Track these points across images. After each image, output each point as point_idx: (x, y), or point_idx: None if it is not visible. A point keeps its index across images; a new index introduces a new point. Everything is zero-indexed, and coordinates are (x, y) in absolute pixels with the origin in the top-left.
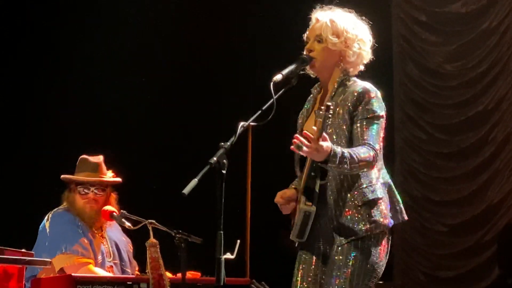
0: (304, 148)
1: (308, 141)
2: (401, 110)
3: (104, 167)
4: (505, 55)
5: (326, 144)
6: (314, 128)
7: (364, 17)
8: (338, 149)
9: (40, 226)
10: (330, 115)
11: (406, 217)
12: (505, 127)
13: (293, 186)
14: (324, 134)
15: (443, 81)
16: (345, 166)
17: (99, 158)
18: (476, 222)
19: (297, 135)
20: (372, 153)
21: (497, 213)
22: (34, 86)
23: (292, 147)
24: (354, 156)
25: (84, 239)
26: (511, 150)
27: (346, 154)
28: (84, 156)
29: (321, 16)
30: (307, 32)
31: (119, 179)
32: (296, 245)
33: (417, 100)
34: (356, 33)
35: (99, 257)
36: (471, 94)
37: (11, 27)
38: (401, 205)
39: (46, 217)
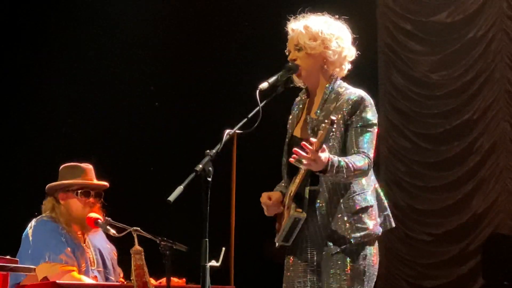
0: (304, 161)
1: (307, 152)
2: (386, 119)
3: (93, 172)
4: (490, 65)
5: (325, 155)
6: (313, 139)
7: (349, 26)
8: (335, 159)
9: (23, 234)
10: (333, 129)
11: (393, 224)
12: (490, 136)
13: (279, 190)
14: (323, 145)
15: (429, 90)
16: (341, 174)
17: (89, 165)
18: (461, 232)
19: (296, 149)
20: (367, 161)
21: (481, 222)
22: (18, 92)
23: (291, 159)
24: (350, 165)
25: (68, 248)
26: (496, 159)
27: (343, 163)
28: (70, 163)
29: (295, 25)
30: (287, 45)
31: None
32: (277, 245)
33: (402, 109)
34: (332, 32)
35: (83, 265)
36: (456, 104)
37: None
38: (389, 212)
39: (29, 225)
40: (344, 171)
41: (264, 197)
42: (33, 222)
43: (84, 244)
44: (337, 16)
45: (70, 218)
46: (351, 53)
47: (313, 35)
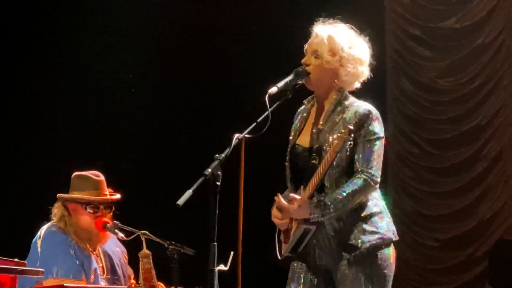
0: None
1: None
2: (394, 124)
3: (105, 184)
4: (498, 71)
5: (306, 208)
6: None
7: (357, 31)
8: (314, 200)
9: (33, 240)
10: (351, 138)
11: (397, 237)
12: (497, 143)
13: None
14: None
15: (437, 96)
16: (332, 210)
17: (100, 176)
18: (468, 238)
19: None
20: (373, 179)
21: (488, 229)
22: (26, 98)
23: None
24: (334, 199)
25: (76, 261)
26: (503, 166)
27: (327, 200)
28: (82, 173)
29: (321, 31)
30: (306, 45)
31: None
32: (282, 256)
33: (410, 115)
34: (353, 53)
35: (92, 277)
36: (464, 110)
37: None
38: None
39: (38, 234)
40: (333, 207)
41: (277, 214)
42: (42, 231)
43: (95, 253)
44: (350, 25)
45: (79, 230)
46: (364, 75)
47: (333, 49)
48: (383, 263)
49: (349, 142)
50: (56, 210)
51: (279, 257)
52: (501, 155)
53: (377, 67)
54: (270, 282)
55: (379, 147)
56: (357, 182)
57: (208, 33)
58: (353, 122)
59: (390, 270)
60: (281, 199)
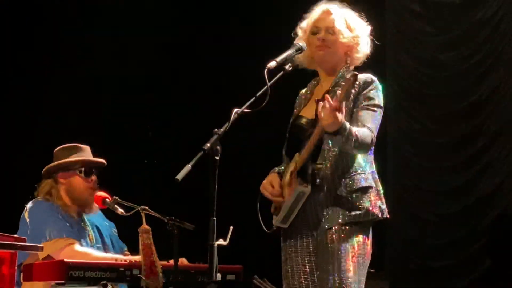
0: (327, 106)
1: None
2: (394, 99)
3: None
4: (498, 46)
5: (341, 117)
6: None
7: (357, 7)
8: (348, 123)
9: (21, 217)
10: (355, 86)
11: (388, 215)
12: (498, 118)
13: (276, 170)
14: (342, 105)
15: (437, 71)
16: (350, 142)
17: (86, 145)
18: (468, 213)
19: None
20: (372, 135)
21: (489, 204)
22: (17, 75)
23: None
24: (359, 135)
25: (66, 223)
26: (504, 141)
27: (353, 130)
28: (65, 144)
29: (333, 9)
30: (314, 21)
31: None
32: (274, 227)
33: (410, 90)
34: (365, 31)
35: (83, 243)
36: (464, 85)
37: None
38: (384, 203)
39: (25, 208)
40: (353, 139)
41: (268, 187)
42: (28, 205)
43: (82, 223)
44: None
45: (73, 197)
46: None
47: (350, 27)
48: (365, 242)
49: (353, 90)
50: (44, 184)
51: (267, 230)
52: (501, 130)
53: (377, 43)
54: (269, 256)
55: (377, 115)
56: (370, 135)
57: (209, 5)
58: (355, 87)
59: (370, 250)
60: (329, 99)
